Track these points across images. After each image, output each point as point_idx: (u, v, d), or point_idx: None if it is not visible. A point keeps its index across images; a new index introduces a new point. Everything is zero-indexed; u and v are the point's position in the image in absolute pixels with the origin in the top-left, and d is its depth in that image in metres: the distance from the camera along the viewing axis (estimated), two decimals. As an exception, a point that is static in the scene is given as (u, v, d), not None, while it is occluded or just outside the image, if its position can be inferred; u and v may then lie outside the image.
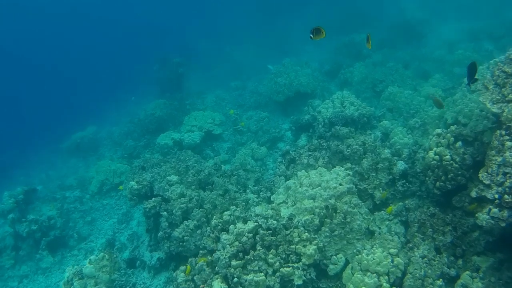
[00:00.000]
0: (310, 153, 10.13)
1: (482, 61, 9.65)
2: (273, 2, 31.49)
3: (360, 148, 9.39)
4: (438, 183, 7.56)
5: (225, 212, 8.72)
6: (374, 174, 8.83)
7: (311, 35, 7.30)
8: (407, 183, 8.61)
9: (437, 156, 7.62)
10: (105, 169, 14.67)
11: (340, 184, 8.46)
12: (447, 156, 7.46)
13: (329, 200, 8.13)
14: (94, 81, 33.95)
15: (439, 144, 7.80)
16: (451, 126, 8.00)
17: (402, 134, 10.52)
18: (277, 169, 10.55)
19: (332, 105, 12.48)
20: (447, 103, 10.58)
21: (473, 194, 6.77)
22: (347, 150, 9.48)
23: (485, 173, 6.56)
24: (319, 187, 8.48)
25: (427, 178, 7.86)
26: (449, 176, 7.39)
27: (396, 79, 14.74)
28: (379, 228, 8.20)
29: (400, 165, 8.80)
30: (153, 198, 9.78)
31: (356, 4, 25.23)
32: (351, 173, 8.87)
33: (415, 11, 21.95)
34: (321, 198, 8.23)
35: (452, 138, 7.68)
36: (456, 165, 7.35)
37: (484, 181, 6.51)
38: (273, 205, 8.97)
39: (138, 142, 16.66)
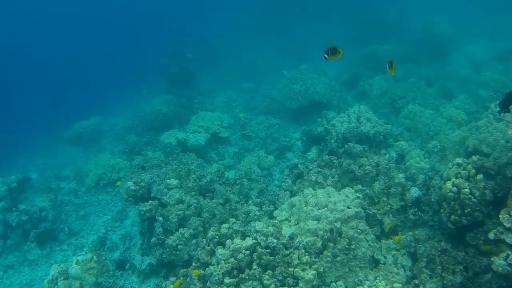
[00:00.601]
0: (319, 169, 9.61)
1: (511, 86, 9.12)
2: (294, 7, 31.06)
3: (373, 170, 8.84)
4: (453, 216, 7.09)
5: (223, 225, 8.25)
6: (385, 199, 8.29)
7: (326, 56, 6.62)
8: (419, 212, 8.11)
9: (454, 188, 7.17)
10: (104, 163, 14.27)
11: (348, 207, 7.93)
12: (466, 190, 7.01)
13: (335, 223, 7.60)
14: (104, 73, 33.75)
15: (459, 175, 7.33)
16: (473, 157, 7.51)
17: (419, 158, 9.97)
18: (283, 183, 10.05)
19: (347, 120, 12.01)
20: (470, 128, 10.04)
21: (491, 236, 6.37)
22: (359, 171, 8.95)
23: (507, 215, 6.23)
24: (326, 208, 7.96)
25: (441, 210, 7.40)
26: (466, 210, 6.92)
27: (417, 97, 14.17)
28: (385, 257, 7.68)
29: (414, 192, 8.28)
30: (150, 201, 9.31)
31: (380, 14, 24.66)
32: (360, 196, 8.33)
33: (443, 26, 21.28)
34: (326, 220, 7.70)
35: (473, 170, 7.16)
36: (475, 200, 6.89)
37: (504, 224, 6.14)
38: (274, 221, 8.47)
39: (141, 138, 16.26)
